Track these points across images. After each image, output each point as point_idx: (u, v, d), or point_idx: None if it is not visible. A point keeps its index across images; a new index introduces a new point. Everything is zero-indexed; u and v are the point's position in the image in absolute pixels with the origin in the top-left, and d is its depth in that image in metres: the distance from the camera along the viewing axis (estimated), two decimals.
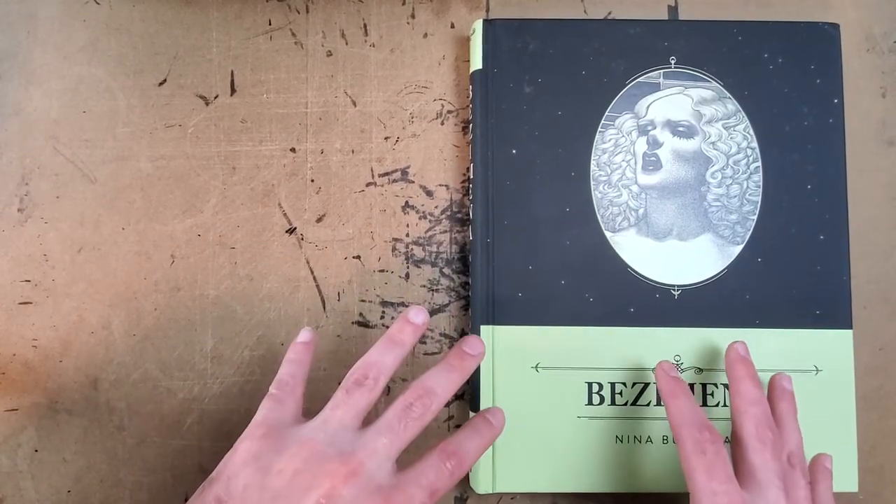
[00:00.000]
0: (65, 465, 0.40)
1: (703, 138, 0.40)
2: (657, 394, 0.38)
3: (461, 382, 0.33)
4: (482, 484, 0.38)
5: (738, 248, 0.39)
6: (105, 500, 0.40)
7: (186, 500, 0.34)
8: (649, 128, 0.40)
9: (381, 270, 0.41)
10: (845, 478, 0.38)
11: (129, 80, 0.43)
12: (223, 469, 0.31)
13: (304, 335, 0.37)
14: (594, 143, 0.40)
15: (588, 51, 0.40)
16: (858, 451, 0.38)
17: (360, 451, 0.30)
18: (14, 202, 0.42)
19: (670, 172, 0.40)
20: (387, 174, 0.42)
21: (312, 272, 0.41)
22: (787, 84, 0.40)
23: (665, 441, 0.38)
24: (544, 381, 0.38)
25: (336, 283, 0.41)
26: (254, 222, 0.42)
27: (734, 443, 0.34)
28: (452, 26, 0.43)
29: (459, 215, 0.42)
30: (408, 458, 0.31)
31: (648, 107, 0.40)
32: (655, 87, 0.40)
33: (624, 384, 0.39)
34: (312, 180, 0.42)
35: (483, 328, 0.39)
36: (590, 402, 0.38)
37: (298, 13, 0.43)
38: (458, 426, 0.40)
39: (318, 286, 0.41)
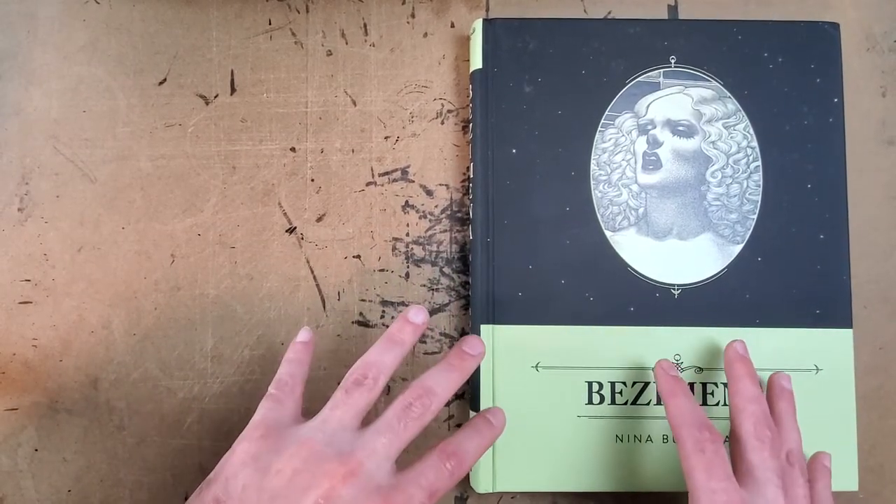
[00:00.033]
0: (65, 465, 0.40)
1: (703, 138, 0.40)
2: (657, 393, 0.38)
3: (461, 382, 0.33)
4: (482, 483, 0.38)
5: (738, 248, 0.39)
6: (105, 500, 0.40)
7: (186, 499, 0.34)
8: (649, 127, 0.40)
9: (381, 270, 0.41)
10: (845, 477, 0.38)
11: (129, 79, 0.43)
12: (221, 470, 0.31)
13: (304, 335, 0.37)
14: (594, 143, 0.40)
15: (588, 50, 0.40)
16: (858, 451, 0.38)
17: (359, 451, 0.30)
18: (14, 202, 0.42)
19: (670, 172, 0.40)
20: (387, 174, 0.42)
21: (312, 272, 0.41)
22: (787, 83, 0.40)
23: (665, 440, 0.38)
24: (544, 380, 0.38)
25: (336, 282, 0.41)
26: (254, 222, 0.42)
27: (733, 441, 0.34)
28: (452, 26, 0.43)
29: (459, 215, 0.42)
30: (408, 458, 0.31)
31: (648, 106, 0.40)
32: (655, 87, 0.40)
33: (624, 383, 0.39)
34: (312, 180, 0.42)
35: (483, 328, 0.39)
36: (590, 402, 0.38)
37: (298, 13, 0.43)
38: (458, 426, 0.40)
39: (318, 286, 0.41)
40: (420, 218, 0.42)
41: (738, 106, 0.40)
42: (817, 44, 0.40)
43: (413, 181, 0.42)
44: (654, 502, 0.39)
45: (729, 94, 0.40)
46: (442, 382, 0.33)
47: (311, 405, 0.34)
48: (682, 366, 0.39)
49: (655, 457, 0.38)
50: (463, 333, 0.41)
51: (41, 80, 0.43)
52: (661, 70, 0.40)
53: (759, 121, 0.40)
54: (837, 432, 0.38)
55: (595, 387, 0.39)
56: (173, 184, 0.42)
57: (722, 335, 0.39)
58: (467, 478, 0.39)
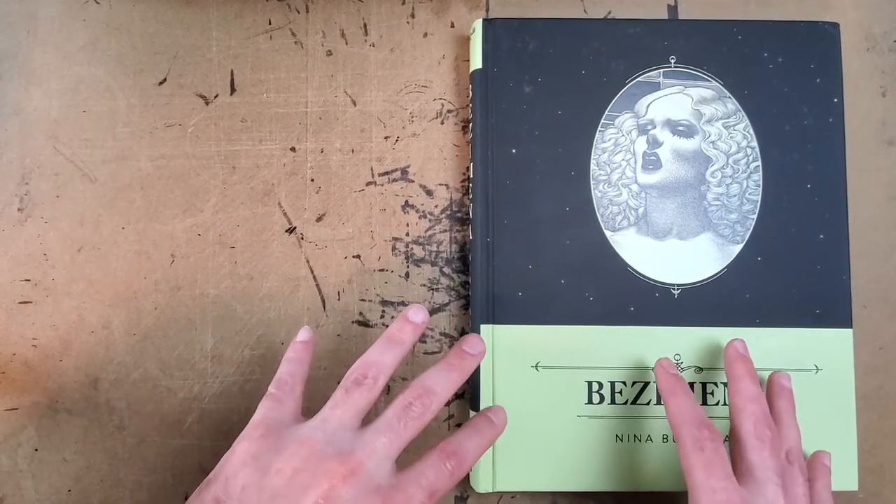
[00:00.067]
0: (65, 465, 0.40)
1: (703, 137, 0.40)
2: (657, 393, 0.38)
3: (461, 381, 0.33)
4: (482, 483, 0.38)
5: (738, 248, 0.39)
6: (105, 500, 0.40)
7: (186, 499, 0.34)
8: (649, 127, 0.40)
9: (381, 270, 0.41)
10: (845, 477, 0.38)
11: (129, 79, 0.43)
12: (221, 469, 0.31)
13: (303, 334, 0.37)
14: (594, 143, 0.40)
15: (588, 50, 0.40)
16: (858, 451, 0.38)
17: (359, 451, 0.30)
18: (14, 202, 0.42)
19: (670, 172, 0.40)
20: (387, 173, 0.42)
21: (312, 271, 0.41)
22: (787, 83, 0.40)
23: (665, 440, 0.38)
24: (544, 380, 0.38)
25: (336, 282, 0.41)
26: (254, 222, 0.42)
27: (733, 440, 0.34)
28: (452, 26, 0.43)
29: (459, 215, 0.42)
30: (408, 458, 0.31)
31: (648, 106, 0.40)
32: (655, 87, 0.40)
33: (624, 383, 0.39)
34: (312, 180, 0.42)
35: (483, 327, 0.39)
36: (590, 401, 0.38)
37: (298, 13, 0.43)
38: (458, 425, 0.40)
39: (317, 285, 0.41)
40: (420, 218, 0.42)
41: (738, 106, 0.40)
42: (817, 44, 0.40)
43: (413, 181, 0.42)
44: (654, 502, 0.39)
45: (729, 94, 0.40)
46: (442, 382, 0.33)
47: (311, 405, 0.34)
48: (682, 365, 0.39)
49: (655, 456, 0.38)
50: (463, 333, 0.41)
51: (41, 80, 0.43)
52: (661, 70, 0.40)
53: (759, 121, 0.40)
54: (837, 432, 0.38)
55: (595, 386, 0.39)
56: (173, 184, 0.42)
57: (722, 335, 0.39)
58: (467, 477, 0.39)
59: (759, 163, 0.40)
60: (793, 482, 0.33)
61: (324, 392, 0.38)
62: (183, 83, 0.43)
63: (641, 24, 0.41)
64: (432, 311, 0.41)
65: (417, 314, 0.35)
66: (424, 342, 0.41)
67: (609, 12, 0.43)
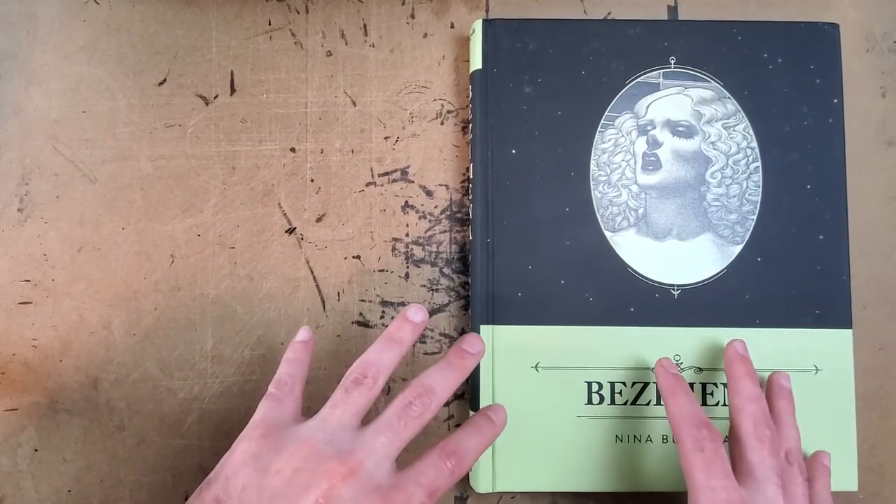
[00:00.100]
0: (65, 465, 0.40)
1: (703, 138, 0.40)
2: (657, 393, 0.38)
3: (461, 381, 0.33)
4: (482, 483, 0.38)
5: (738, 248, 0.39)
6: (105, 500, 0.40)
7: (186, 499, 0.34)
8: (649, 128, 0.40)
9: (381, 270, 0.41)
10: (845, 477, 0.38)
11: (129, 79, 0.43)
12: (221, 469, 0.31)
13: (303, 334, 0.37)
14: (594, 143, 0.40)
15: (588, 51, 0.40)
16: (858, 451, 0.38)
17: (358, 450, 0.30)
18: (14, 202, 0.42)
19: (670, 172, 0.40)
20: (387, 174, 0.42)
21: (312, 272, 0.41)
22: (787, 84, 0.40)
23: (665, 440, 0.38)
24: (544, 380, 0.38)
25: (336, 282, 0.41)
26: (253, 222, 0.42)
27: (732, 441, 0.34)
28: (452, 26, 0.43)
29: (459, 215, 0.42)
30: (407, 458, 0.31)
31: (648, 107, 0.40)
32: (655, 87, 0.40)
33: (624, 384, 0.39)
34: (312, 180, 0.42)
35: (483, 328, 0.39)
36: (589, 402, 0.38)
37: (298, 13, 0.43)
38: (458, 425, 0.40)
39: (317, 286, 0.41)
40: (420, 218, 0.42)
41: (738, 106, 0.40)
42: (817, 44, 0.40)
43: (413, 181, 0.42)
44: (654, 502, 0.39)
45: (729, 95, 0.40)
46: (441, 381, 0.33)
47: (311, 405, 0.34)
48: (682, 366, 0.39)
49: (655, 457, 0.38)
50: (463, 334, 0.41)
51: (41, 80, 0.43)
52: (661, 71, 0.40)
53: (759, 121, 0.40)
54: (837, 432, 0.38)
55: (595, 387, 0.39)
56: (173, 184, 0.42)
57: (722, 335, 0.39)
58: (467, 478, 0.39)
59: (758, 163, 0.40)
60: (792, 482, 0.33)
61: (324, 392, 0.38)
62: (183, 83, 0.43)
63: (641, 24, 0.41)
64: (432, 312, 0.41)
65: (417, 314, 0.35)
66: (424, 342, 0.41)
67: (609, 13, 0.43)
